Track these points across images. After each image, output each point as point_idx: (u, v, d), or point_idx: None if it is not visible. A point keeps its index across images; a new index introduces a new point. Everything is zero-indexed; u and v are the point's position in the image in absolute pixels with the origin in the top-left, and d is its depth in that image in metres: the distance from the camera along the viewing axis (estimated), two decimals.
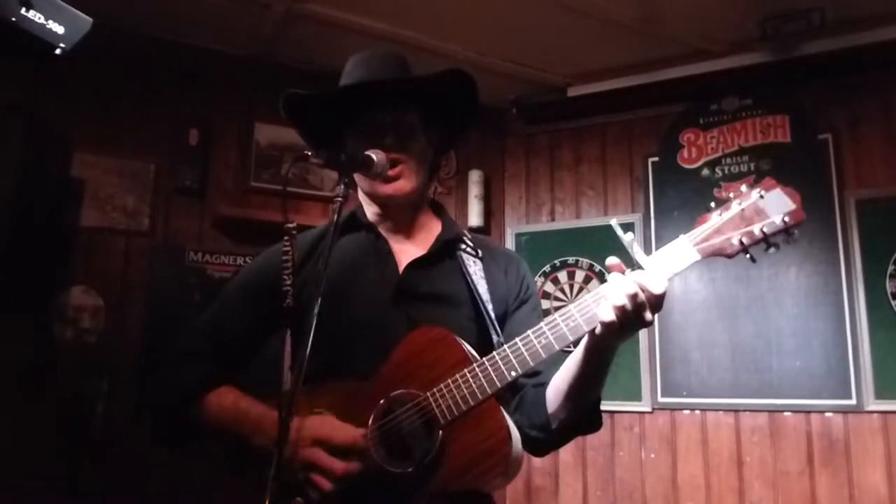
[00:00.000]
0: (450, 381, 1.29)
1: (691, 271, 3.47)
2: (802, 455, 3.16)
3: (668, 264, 1.20)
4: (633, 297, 1.16)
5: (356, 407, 1.35)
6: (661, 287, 1.17)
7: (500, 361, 1.27)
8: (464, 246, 1.55)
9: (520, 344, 1.26)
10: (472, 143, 3.98)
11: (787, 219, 1.18)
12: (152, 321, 3.10)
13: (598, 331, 1.21)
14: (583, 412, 1.37)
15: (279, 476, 1.12)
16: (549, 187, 3.98)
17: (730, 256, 1.21)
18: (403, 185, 1.49)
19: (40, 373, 2.85)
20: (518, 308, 1.54)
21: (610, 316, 1.17)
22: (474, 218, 3.91)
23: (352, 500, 1.30)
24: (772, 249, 1.21)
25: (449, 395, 1.28)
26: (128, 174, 3.13)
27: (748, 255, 1.21)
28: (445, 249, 1.54)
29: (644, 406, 3.48)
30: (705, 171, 3.56)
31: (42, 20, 1.77)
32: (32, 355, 2.83)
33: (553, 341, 1.24)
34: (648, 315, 1.18)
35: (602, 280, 3.75)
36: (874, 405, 3.06)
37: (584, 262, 3.75)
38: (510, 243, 3.96)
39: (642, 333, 3.52)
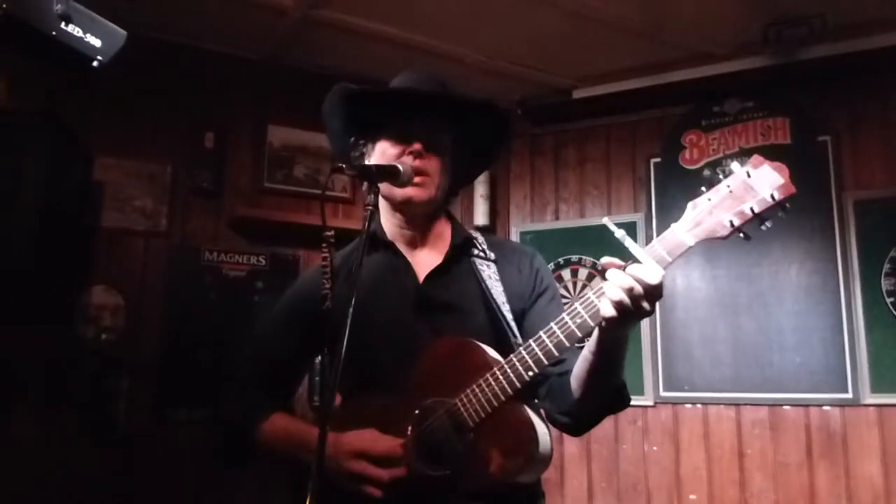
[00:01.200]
0: (475, 385, 1.36)
1: (693, 269, 3.57)
2: (801, 447, 3.26)
3: (662, 254, 1.22)
4: (630, 290, 1.18)
5: (393, 418, 1.45)
6: (655, 278, 1.19)
7: (517, 363, 1.33)
8: (476, 251, 1.61)
9: (534, 345, 1.32)
10: None
11: (776, 194, 1.17)
12: (170, 319, 3.18)
13: (602, 325, 1.26)
14: (608, 395, 1.44)
15: (319, 485, 1.19)
16: (553, 187, 4.06)
17: (724, 238, 1.20)
18: (422, 192, 1.55)
19: (63, 371, 2.92)
20: (535, 302, 1.60)
21: (610, 311, 1.21)
22: (480, 217, 3.99)
23: None
24: (766, 225, 1.19)
25: (475, 399, 1.36)
26: (146, 176, 3.20)
27: (742, 235, 1.20)
28: (458, 255, 1.60)
29: (647, 400, 3.57)
30: (707, 172, 3.65)
31: (80, 34, 1.84)
32: (55, 354, 2.90)
33: (563, 339, 1.29)
34: (647, 305, 1.20)
35: (604, 277, 3.85)
36: (870, 399, 3.16)
37: (588, 260, 3.84)
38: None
39: (645, 330, 3.61)
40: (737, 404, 3.41)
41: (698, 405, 3.49)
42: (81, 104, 3.00)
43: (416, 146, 1.54)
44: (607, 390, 1.43)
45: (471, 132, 1.63)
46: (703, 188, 1.23)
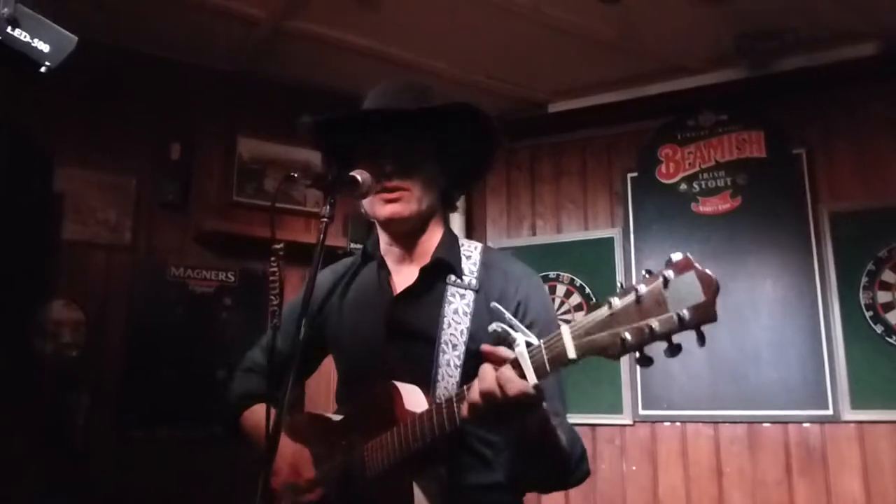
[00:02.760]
0: (380, 439, 1.31)
1: None
2: (781, 465, 3.20)
3: (543, 362, 1.04)
4: (489, 394, 1.08)
5: (325, 444, 1.46)
6: (514, 389, 1.05)
7: (410, 430, 1.26)
8: (454, 278, 1.47)
9: (425, 418, 1.24)
10: None
11: (687, 314, 0.90)
12: (134, 336, 3.11)
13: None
14: (542, 474, 1.34)
15: (267, 491, 1.20)
16: (529, 201, 4.02)
17: (614, 357, 0.98)
18: (402, 209, 1.46)
19: (20, 387, 2.83)
20: None
21: (463, 411, 1.13)
22: (456, 232, 3.93)
23: None
24: (674, 352, 0.93)
25: (377, 452, 1.32)
26: (109, 188, 3.13)
27: (637, 356, 0.96)
28: (432, 278, 1.48)
29: (625, 419, 3.51)
30: (683, 186, 3.62)
31: (28, 38, 1.78)
32: (12, 369, 2.81)
33: (445, 421, 1.20)
34: (504, 416, 1.09)
35: (583, 295, 3.81)
36: (850, 415, 3.11)
37: (565, 276, 3.77)
38: None
39: None
40: (715, 422, 3.35)
41: (677, 423, 3.43)
42: (43, 113, 2.93)
43: (388, 169, 1.46)
44: (538, 470, 1.31)
45: (457, 135, 1.53)
46: (621, 284, 1.00)
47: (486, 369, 1.10)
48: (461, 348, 1.39)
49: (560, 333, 1.03)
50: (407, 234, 1.53)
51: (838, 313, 3.20)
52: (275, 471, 1.42)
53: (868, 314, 3.14)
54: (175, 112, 3.35)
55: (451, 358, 1.38)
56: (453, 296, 1.44)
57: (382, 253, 1.56)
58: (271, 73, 3.49)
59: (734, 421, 3.31)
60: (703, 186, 3.55)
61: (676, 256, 0.94)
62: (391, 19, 3.09)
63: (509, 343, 1.10)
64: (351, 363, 1.53)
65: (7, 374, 2.78)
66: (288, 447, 1.46)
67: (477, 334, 1.38)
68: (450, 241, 1.54)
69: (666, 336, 0.93)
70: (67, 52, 1.89)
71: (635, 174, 3.75)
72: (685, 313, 0.90)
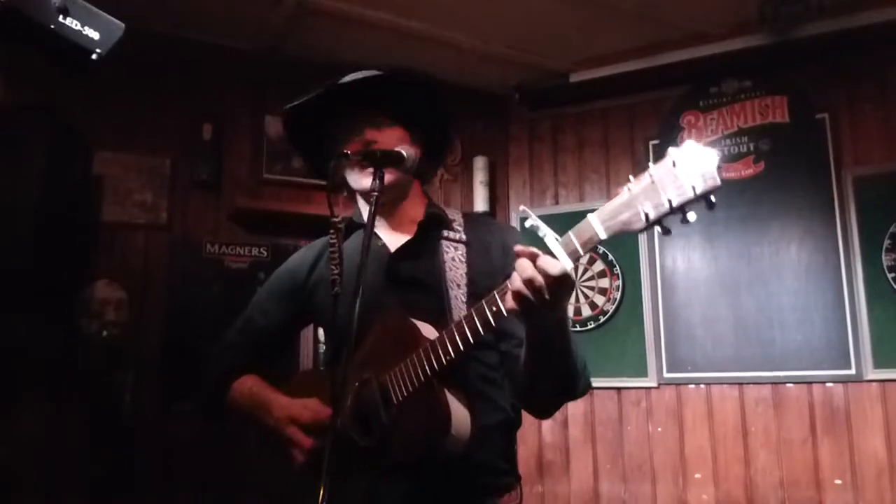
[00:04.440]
0: (402, 364, 1.39)
1: (693, 250, 3.58)
2: (805, 424, 3.28)
3: (575, 246, 1.15)
4: (530, 281, 1.16)
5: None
6: (556, 269, 1.14)
7: (438, 346, 1.34)
8: (447, 233, 1.63)
9: (454, 330, 1.32)
10: (476, 130, 4.07)
11: (698, 187, 1.05)
12: (173, 312, 3.19)
13: (512, 314, 1.24)
14: (555, 382, 1.44)
15: (333, 454, 1.23)
16: (552, 171, 4.06)
17: (640, 231, 1.11)
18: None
19: (67, 366, 2.92)
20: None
21: (510, 302, 1.21)
22: (480, 203, 3.99)
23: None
24: (688, 219, 1.08)
25: (401, 377, 1.39)
26: (145, 170, 3.20)
27: (660, 229, 1.10)
28: (427, 235, 1.62)
29: (650, 382, 3.58)
30: None
31: (78, 26, 1.83)
32: (59, 349, 2.89)
33: (480, 327, 1.28)
34: (549, 297, 1.16)
35: (606, 262, 3.86)
36: (873, 374, 3.17)
37: None
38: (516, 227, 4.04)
39: (647, 311, 3.63)
40: (740, 383, 3.42)
41: (701, 385, 3.51)
42: (79, 98, 2.97)
43: (367, 135, 1.56)
44: (553, 378, 1.43)
45: (410, 104, 1.64)
46: (631, 177, 1.13)
47: (522, 261, 1.18)
48: (464, 289, 1.54)
49: (587, 220, 1.14)
50: (389, 203, 1.63)
51: (861, 276, 3.25)
52: (289, 423, 1.54)
53: (891, 276, 3.19)
54: (206, 93, 3.39)
55: (457, 294, 1.53)
56: (447, 248, 1.61)
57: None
58: (297, 51, 3.51)
59: (759, 382, 3.38)
60: (727, 152, 3.57)
61: (679, 146, 1.07)
62: None
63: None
64: (350, 319, 1.56)
65: (57, 353, 2.87)
66: (290, 402, 1.58)
67: (475, 279, 1.55)
68: (436, 204, 1.71)
69: (682, 207, 1.06)
70: (116, 39, 1.93)
71: (657, 141, 3.78)
72: (697, 185, 1.04)
